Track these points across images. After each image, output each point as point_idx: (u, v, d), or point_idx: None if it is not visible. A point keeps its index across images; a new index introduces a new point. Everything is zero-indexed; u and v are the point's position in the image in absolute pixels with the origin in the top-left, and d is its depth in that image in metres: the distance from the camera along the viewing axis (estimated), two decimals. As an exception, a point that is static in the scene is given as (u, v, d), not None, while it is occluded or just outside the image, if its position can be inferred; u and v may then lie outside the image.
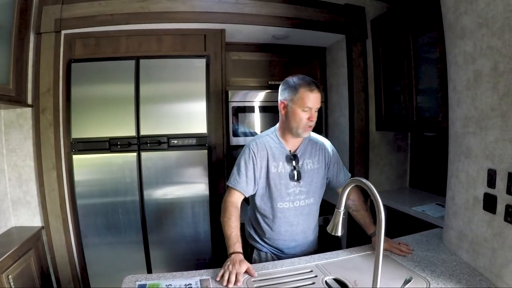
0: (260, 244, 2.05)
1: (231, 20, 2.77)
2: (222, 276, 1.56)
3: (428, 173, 3.16)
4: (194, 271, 1.64)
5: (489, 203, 1.52)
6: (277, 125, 2.02)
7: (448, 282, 1.49)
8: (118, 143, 2.69)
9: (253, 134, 3.20)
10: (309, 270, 1.67)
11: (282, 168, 1.93)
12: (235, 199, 1.90)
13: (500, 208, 1.46)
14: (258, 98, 3.24)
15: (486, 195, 1.54)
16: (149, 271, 2.78)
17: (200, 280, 1.55)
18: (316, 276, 1.60)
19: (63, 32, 2.59)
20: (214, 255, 2.87)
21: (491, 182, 1.51)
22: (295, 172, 1.93)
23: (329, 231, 1.40)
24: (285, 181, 1.93)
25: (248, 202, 2.13)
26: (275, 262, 1.79)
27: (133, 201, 2.72)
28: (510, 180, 1.39)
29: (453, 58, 1.77)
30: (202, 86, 2.78)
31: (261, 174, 1.93)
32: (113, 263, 2.73)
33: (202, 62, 2.80)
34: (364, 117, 3.15)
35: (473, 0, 1.55)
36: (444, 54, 1.99)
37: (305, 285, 1.53)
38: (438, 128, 2.45)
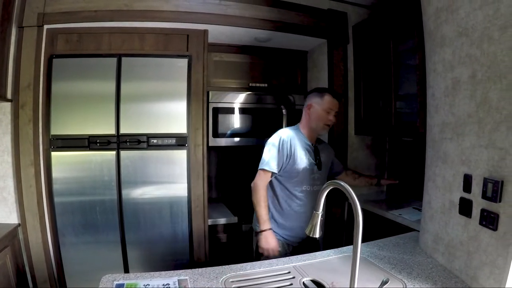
0: (273, 230, 2.34)
1: (214, 21, 2.77)
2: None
3: (405, 177, 3.22)
4: (172, 271, 1.64)
5: (465, 207, 1.57)
6: (300, 123, 2.49)
7: (424, 284, 1.53)
8: (98, 141, 2.64)
9: (233, 135, 3.22)
10: (286, 271, 1.70)
11: (306, 156, 2.35)
12: (264, 183, 2.32)
13: (476, 212, 1.50)
14: (238, 99, 3.24)
15: (462, 200, 1.59)
16: (126, 271, 2.73)
17: (178, 280, 1.55)
18: (294, 277, 1.63)
19: (45, 26, 2.53)
20: (191, 256, 2.84)
21: (467, 187, 1.55)
22: (318, 160, 2.41)
23: (307, 233, 1.42)
24: (310, 167, 2.36)
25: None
26: (253, 263, 1.80)
27: (111, 200, 2.68)
28: (486, 185, 1.43)
29: (433, 65, 1.82)
30: (183, 86, 2.76)
31: (291, 159, 2.31)
32: (90, 263, 2.68)
33: (184, 62, 2.78)
34: (343, 121, 3.19)
35: (454, 10, 1.59)
36: (423, 61, 2.03)
37: (283, 286, 1.55)
38: (416, 133, 2.49)
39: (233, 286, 1.53)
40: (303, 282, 1.59)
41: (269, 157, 2.30)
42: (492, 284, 1.39)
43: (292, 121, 3.29)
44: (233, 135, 3.24)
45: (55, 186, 2.60)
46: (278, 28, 2.91)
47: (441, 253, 1.73)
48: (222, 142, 3.22)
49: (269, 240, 2.26)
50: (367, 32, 3.07)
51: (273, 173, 2.32)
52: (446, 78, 1.70)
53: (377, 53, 2.93)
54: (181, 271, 1.65)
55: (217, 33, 2.93)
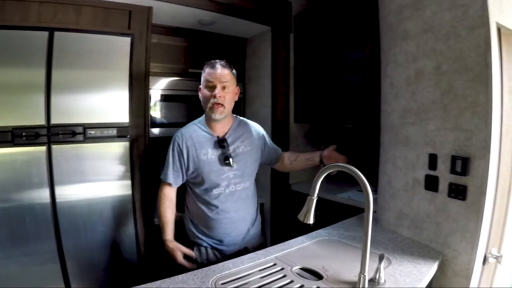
0: (200, 239, 2.06)
1: (160, -4, 2.55)
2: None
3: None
4: (147, 285, 1.47)
5: (431, 183, 1.78)
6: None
7: (403, 255, 1.70)
8: (24, 133, 2.26)
9: (173, 125, 3.07)
10: (272, 263, 1.66)
11: (212, 154, 1.99)
12: (167, 191, 2.05)
13: (443, 186, 1.73)
14: (177, 86, 3.10)
15: (428, 176, 1.80)
16: (67, 283, 2.41)
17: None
18: (283, 269, 1.60)
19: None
20: (139, 257, 2.65)
21: (433, 165, 1.77)
22: (226, 157, 1.97)
23: (300, 219, 1.43)
24: (218, 167, 1.98)
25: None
26: (234, 260, 1.71)
27: (43, 205, 2.32)
28: (454, 162, 1.65)
29: (392, 57, 1.99)
30: (125, 69, 2.52)
31: (191, 164, 1.98)
32: (23, 281, 2.28)
33: (125, 41, 2.52)
34: (285, 110, 3.26)
35: (420, 8, 1.77)
36: (374, 52, 2.23)
37: (279, 278, 1.53)
38: (358, 120, 2.69)
39: (228, 287, 1.46)
40: (295, 271, 1.59)
41: (166, 166, 2.04)
42: (464, 246, 1.63)
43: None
44: (172, 124, 3.10)
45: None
46: (224, 11, 2.81)
47: (406, 227, 1.93)
48: (160, 132, 3.07)
49: (175, 257, 2.00)
50: (308, 21, 3.14)
51: (170, 183, 2.05)
52: (408, 68, 1.87)
53: (319, 42, 3.02)
54: (158, 282, 1.49)
55: (159, 12, 2.70)
